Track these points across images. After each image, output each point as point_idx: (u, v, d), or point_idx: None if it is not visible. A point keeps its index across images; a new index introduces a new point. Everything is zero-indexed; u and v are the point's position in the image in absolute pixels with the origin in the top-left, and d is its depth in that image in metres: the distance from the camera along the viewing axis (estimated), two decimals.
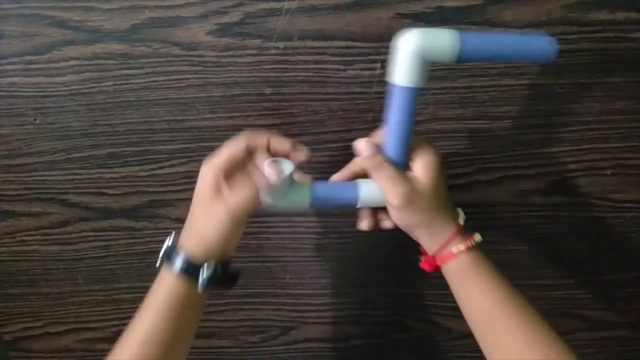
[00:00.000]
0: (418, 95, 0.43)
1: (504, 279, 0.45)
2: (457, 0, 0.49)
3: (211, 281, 0.44)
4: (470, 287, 0.45)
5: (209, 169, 0.44)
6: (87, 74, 0.54)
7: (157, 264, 0.45)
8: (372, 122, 0.54)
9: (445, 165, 0.56)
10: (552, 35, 0.42)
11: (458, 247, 0.45)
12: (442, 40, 0.40)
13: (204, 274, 0.44)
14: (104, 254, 0.62)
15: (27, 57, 0.53)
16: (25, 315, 0.65)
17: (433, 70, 0.52)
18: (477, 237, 0.46)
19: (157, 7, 0.51)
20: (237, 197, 0.43)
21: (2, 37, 0.52)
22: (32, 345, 0.67)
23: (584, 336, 0.63)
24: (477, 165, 0.56)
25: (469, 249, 0.45)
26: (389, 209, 0.46)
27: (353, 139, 0.55)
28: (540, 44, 0.42)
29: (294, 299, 0.63)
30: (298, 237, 0.60)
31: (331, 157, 0.56)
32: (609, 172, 0.56)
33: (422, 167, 0.45)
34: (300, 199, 0.46)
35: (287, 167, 0.45)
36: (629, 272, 0.60)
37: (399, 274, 0.62)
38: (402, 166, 0.45)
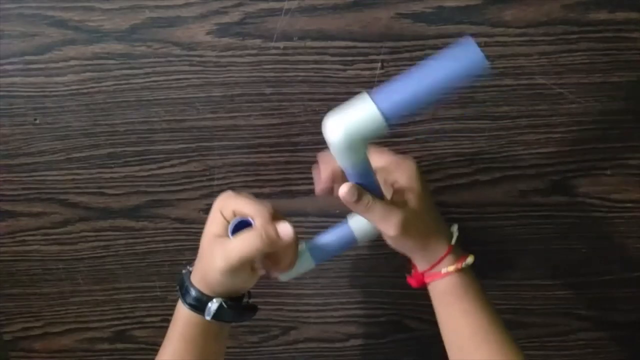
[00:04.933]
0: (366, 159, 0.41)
1: (487, 303, 0.45)
2: (457, 0, 0.49)
3: (219, 316, 0.44)
4: (453, 309, 0.45)
5: (217, 213, 0.44)
6: (87, 74, 0.54)
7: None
8: None
9: (446, 166, 0.56)
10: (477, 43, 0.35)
11: (448, 268, 0.44)
12: (364, 121, 0.36)
13: (210, 310, 0.44)
14: (104, 254, 0.62)
15: (27, 57, 0.53)
16: (25, 315, 0.65)
17: None
18: (470, 260, 0.45)
19: (157, 7, 0.51)
20: (233, 250, 0.42)
21: (2, 37, 0.52)
22: (32, 345, 0.67)
23: (584, 336, 0.63)
24: (477, 165, 0.56)
25: (458, 270, 0.44)
26: (385, 237, 0.45)
27: None
28: (466, 61, 0.35)
29: (294, 299, 0.63)
30: (298, 238, 0.60)
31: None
32: (609, 172, 0.56)
33: (407, 183, 0.44)
34: (306, 266, 0.47)
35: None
36: (629, 272, 0.60)
37: (398, 274, 0.62)
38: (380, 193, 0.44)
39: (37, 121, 0.56)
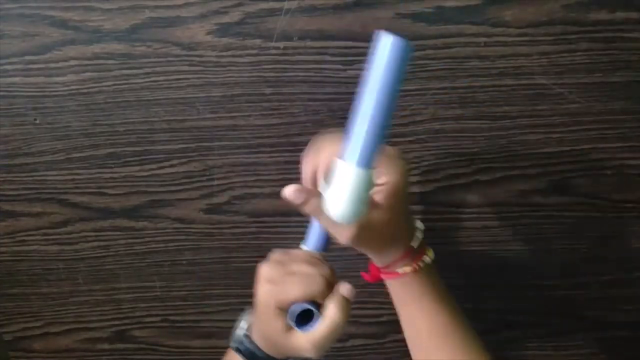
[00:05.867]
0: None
1: (449, 303, 0.44)
2: (457, 0, 0.49)
3: None
4: (411, 308, 0.45)
5: (266, 296, 0.42)
6: (87, 74, 0.54)
7: (230, 344, 0.46)
8: None
9: (446, 166, 0.56)
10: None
11: (404, 268, 0.43)
12: (356, 185, 0.37)
13: None
14: (104, 254, 0.62)
15: (27, 57, 0.53)
16: (25, 315, 0.65)
17: (433, 70, 0.52)
18: (427, 258, 0.44)
19: (157, 7, 0.51)
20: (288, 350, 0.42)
21: (2, 37, 0.52)
22: (32, 345, 0.67)
23: (584, 336, 0.63)
24: (477, 165, 0.56)
25: (415, 270, 0.43)
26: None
27: None
28: (392, 56, 0.35)
29: None
30: (298, 237, 0.60)
31: None
32: (609, 172, 0.56)
33: (384, 193, 0.40)
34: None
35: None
36: (629, 272, 0.60)
37: None
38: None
39: (37, 121, 0.56)
